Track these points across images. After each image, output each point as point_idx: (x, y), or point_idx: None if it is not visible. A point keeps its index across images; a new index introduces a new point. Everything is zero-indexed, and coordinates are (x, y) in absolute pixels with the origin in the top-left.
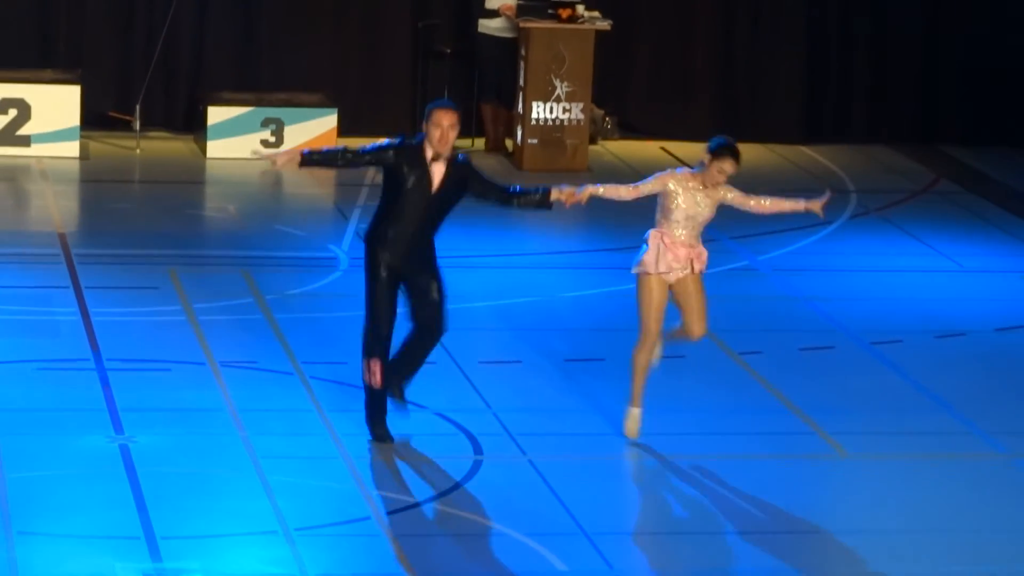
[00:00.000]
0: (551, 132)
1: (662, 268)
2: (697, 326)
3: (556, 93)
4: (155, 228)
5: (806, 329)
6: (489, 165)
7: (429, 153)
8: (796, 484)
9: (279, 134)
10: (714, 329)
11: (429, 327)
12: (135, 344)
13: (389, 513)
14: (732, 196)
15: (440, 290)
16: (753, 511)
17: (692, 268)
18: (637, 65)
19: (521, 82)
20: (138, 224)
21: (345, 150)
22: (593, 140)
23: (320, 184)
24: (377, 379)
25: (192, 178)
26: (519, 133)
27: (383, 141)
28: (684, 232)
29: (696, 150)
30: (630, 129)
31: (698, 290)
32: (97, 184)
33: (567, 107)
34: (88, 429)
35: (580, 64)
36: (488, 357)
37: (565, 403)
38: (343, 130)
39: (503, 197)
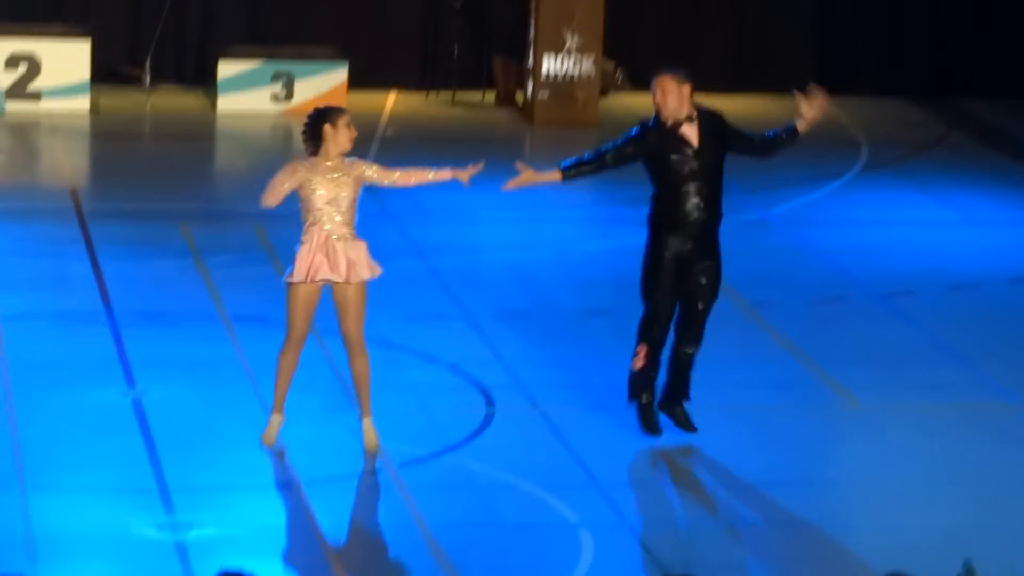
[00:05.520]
0: (562, 86)
1: (312, 276)
2: (353, 330)
3: (567, 46)
4: (166, 182)
5: (818, 281)
6: (500, 119)
7: (669, 121)
8: (806, 434)
9: (290, 88)
10: (726, 281)
11: (687, 334)
12: (146, 298)
13: (401, 465)
14: (372, 172)
15: (712, 291)
16: (763, 462)
17: (349, 279)
18: (647, 17)
19: (532, 35)
20: (149, 179)
21: (595, 156)
22: (604, 92)
23: None
24: (639, 363)
25: (203, 132)
26: (530, 87)
27: (620, 138)
28: (331, 224)
29: (705, 101)
30: (641, 82)
31: (357, 298)
32: (108, 139)
33: (578, 60)
34: (101, 383)
35: (590, 16)
36: (499, 310)
37: (575, 355)
38: (353, 83)
39: (766, 148)
